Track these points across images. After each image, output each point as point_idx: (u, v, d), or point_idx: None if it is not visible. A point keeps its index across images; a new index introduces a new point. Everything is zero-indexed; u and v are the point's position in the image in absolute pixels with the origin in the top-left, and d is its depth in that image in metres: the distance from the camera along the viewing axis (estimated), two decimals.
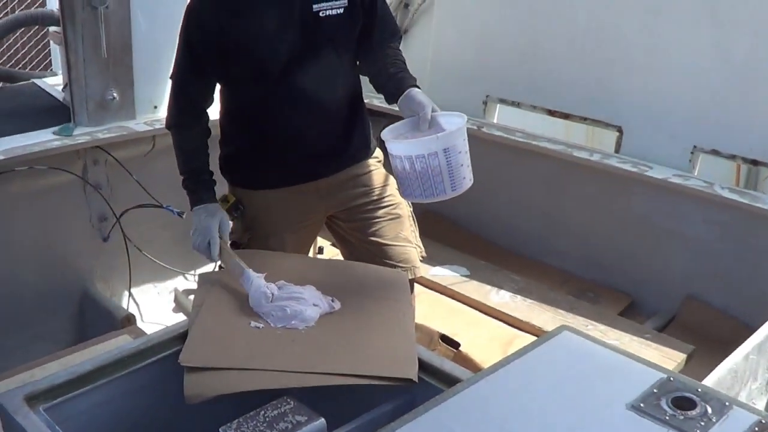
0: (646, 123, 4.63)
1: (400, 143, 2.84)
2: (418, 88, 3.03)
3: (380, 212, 3.40)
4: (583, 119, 4.92)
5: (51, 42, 5.91)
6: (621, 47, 4.68)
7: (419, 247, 3.53)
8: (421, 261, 3.54)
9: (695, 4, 4.36)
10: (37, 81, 5.73)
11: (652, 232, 4.67)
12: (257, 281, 2.78)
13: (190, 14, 3.18)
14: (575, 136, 5.11)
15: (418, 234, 3.56)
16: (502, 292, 4.64)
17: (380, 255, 3.34)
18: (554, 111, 5.03)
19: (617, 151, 4.75)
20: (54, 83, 5.58)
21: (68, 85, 4.68)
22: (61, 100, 5.15)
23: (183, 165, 3.32)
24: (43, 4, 7.92)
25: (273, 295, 2.72)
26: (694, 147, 4.44)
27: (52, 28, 5.71)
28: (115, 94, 4.61)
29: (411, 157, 2.78)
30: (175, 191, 4.81)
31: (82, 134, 4.49)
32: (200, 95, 3.30)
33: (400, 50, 3.29)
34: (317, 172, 3.34)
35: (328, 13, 3.10)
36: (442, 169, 2.76)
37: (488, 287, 4.70)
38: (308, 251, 3.64)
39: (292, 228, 3.42)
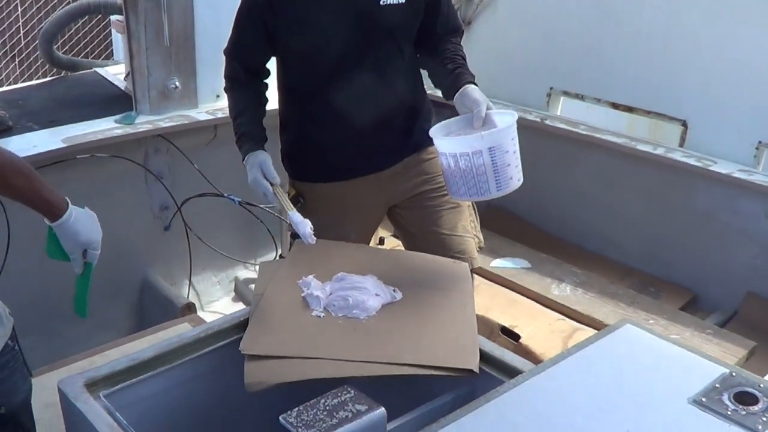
0: (711, 117, 4.58)
1: (445, 140, 2.83)
2: (475, 84, 3.00)
3: (439, 201, 3.37)
4: (647, 113, 4.88)
5: (113, 31, 5.94)
6: (686, 40, 4.62)
7: (478, 237, 3.51)
8: (479, 251, 3.51)
9: None
10: (99, 70, 5.77)
11: (714, 227, 4.61)
12: (298, 219, 2.88)
13: None
14: (638, 130, 5.06)
15: (478, 225, 3.54)
16: (563, 285, 4.62)
17: (438, 245, 3.32)
18: (618, 104, 4.98)
19: (681, 145, 4.70)
20: (116, 72, 5.62)
21: (130, 74, 4.71)
22: (123, 88, 5.18)
23: (233, 122, 3.34)
24: None
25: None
26: (759, 142, 4.39)
27: (114, 17, 5.75)
28: (177, 83, 4.63)
29: (456, 154, 2.76)
30: (236, 180, 4.83)
31: (144, 123, 4.53)
32: (253, 56, 3.30)
33: (460, 45, 3.26)
34: (377, 165, 3.33)
35: (390, 2, 3.05)
36: (486, 168, 2.74)
37: (549, 280, 4.68)
38: (369, 242, 3.61)
39: (352, 220, 3.41)
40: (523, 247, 4.92)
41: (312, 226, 2.87)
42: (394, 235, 4.67)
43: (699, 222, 4.68)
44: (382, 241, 4.96)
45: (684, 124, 4.68)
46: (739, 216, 4.49)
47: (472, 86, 2.97)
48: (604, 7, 4.95)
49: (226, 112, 4.60)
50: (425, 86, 3.41)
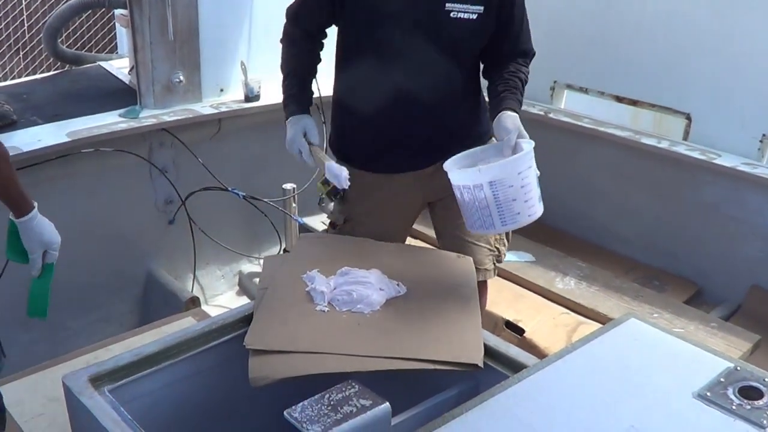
0: (715, 110, 4.58)
1: (452, 171, 2.79)
2: (515, 111, 2.96)
3: None
4: (652, 106, 4.88)
5: (117, 25, 5.93)
6: (690, 33, 4.62)
7: (498, 250, 3.49)
8: (497, 264, 3.52)
9: None
10: (103, 64, 5.77)
11: (719, 220, 4.61)
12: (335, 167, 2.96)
13: None
14: (642, 124, 5.06)
15: (506, 238, 3.54)
16: (567, 278, 4.62)
17: (456, 248, 3.33)
18: (622, 97, 4.98)
19: (685, 138, 4.70)
20: (120, 66, 5.63)
21: (134, 68, 4.71)
22: (127, 82, 5.19)
23: (282, 80, 3.33)
24: None
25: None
26: (764, 135, 4.39)
27: (118, 11, 5.74)
28: (181, 77, 4.64)
29: (460, 186, 2.74)
30: (240, 174, 4.87)
31: (148, 117, 4.53)
32: (314, 22, 3.29)
33: (524, 67, 3.21)
34: (415, 164, 3.33)
35: (460, 15, 3.02)
36: (488, 202, 2.68)
37: (553, 273, 4.68)
38: (404, 238, 3.62)
39: (388, 211, 3.42)
40: (527, 240, 4.91)
41: (348, 174, 2.95)
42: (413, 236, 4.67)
43: (703, 215, 4.68)
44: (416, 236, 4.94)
45: (688, 117, 4.68)
46: (744, 209, 4.48)
47: (508, 113, 2.93)
48: (608, 0, 4.94)
49: (231, 106, 4.65)
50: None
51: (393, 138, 3.28)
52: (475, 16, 3.03)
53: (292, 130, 3.20)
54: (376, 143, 3.33)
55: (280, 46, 3.35)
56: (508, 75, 3.11)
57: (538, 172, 2.77)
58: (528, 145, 2.77)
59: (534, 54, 3.31)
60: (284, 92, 3.30)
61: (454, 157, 2.88)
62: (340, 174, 2.95)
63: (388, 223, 3.41)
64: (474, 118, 3.34)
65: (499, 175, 2.65)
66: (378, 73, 3.17)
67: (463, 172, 2.74)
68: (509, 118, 2.89)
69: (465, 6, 3.01)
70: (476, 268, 3.28)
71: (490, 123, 3.04)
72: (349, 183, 2.96)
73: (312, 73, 3.36)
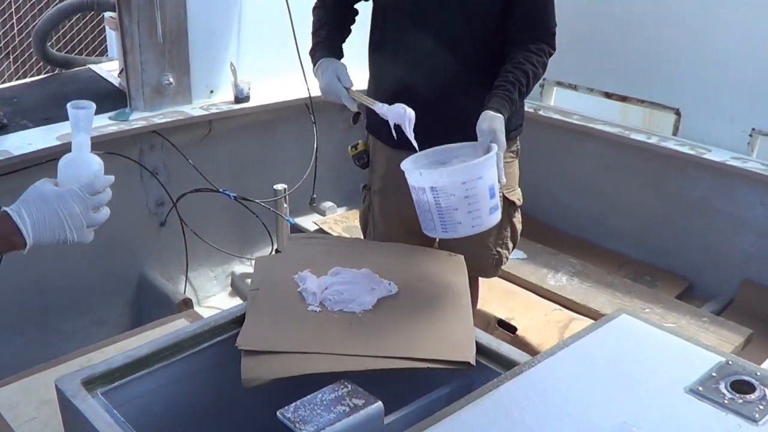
0: (704, 105, 4.60)
1: (403, 164, 2.79)
2: (498, 111, 2.88)
3: None
4: (641, 102, 4.90)
5: (106, 27, 5.94)
6: (678, 29, 4.64)
7: (500, 253, 3.51)
8: (498, 266, 3.56)
9: None
10: (93, 66, 5.76)
11: (709, 215, 4.63)
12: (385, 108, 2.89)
13: None
14: (632, 120, 5.07)
15: (510, 241, 3.56)
16: (559, 275, 4.64)
17: (455, 249, 3.36)
18: (611, 94, 5.00)
19: (675, 133, 4.72)
20: (110, 69, 5.62)
21: (124, 71, 4.71)
22: (117, 85, 5.18)
23: (312, 37, 3.30)
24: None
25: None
26: (753, 129, 4.41)
27: (107, 14, 5.74)
28: (171, 79, 4.64)
29: (410, 184, 2.74)
30: (230, 175, 4.87)
31: (139, 119, 4.53)
32: None
33: (537, 56, 3.09)
34: (428, 146, 3.31)
35: None
36: (430, 206, 2.68)
37: (545, 270, 4.70)
38: (416, 220, 3.57)
39: (399, 191, 3.37)
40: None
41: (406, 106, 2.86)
42: None
43: (694, 210, 4.69)
44: None
45: (677, 112, 4.71)
46: (734, 204, 4.50)
47: (490, 113, 2.87)
48: None
49: (221, 108, 4.66)
50: None
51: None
52: None
53: (325, 76, 3.12)
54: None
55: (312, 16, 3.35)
56: (512, 67, 3.03)
57: (504, 180, 2.75)
58: (492, 152, 2.73)
59: (554, 34, 3.20)
60: (313, 41, 3.26)
61: (426, 150, 2.86)
62: (399, 110, 2.87)
63: (401, 201, 3.37)
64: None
65: (440, 182, 2.62)
66: (389, 57, 3.24)
67: (408, 172, 2.74)
68: (488, 119, 2.84)
69: None
70: (473, 266, 3.30)
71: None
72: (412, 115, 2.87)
73: (343, 29, 3.32)
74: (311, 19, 3.34)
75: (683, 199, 4.73)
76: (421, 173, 2.66)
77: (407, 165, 2.78)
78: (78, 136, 2.13)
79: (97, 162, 2.16)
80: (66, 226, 2.03)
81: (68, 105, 2.11)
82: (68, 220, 2.03)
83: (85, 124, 2.13)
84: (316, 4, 3.35)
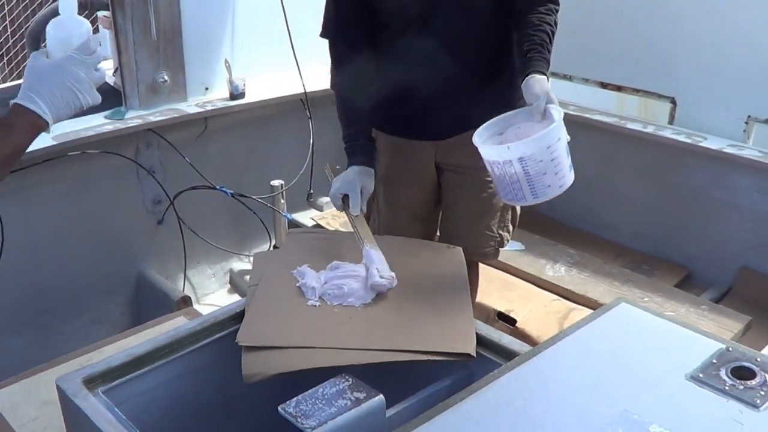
0: (699, 94, 4.60)
1: (480, 145, 2.74)
2: (542, 73, 2.84)
3: (479, 182, 3.36)
4: (636, 91, 4.90)
5: (100, 26, 5.92)
6: (672, 17, 4.64)
7: (500, 236, 3.52)
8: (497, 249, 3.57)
9: None
10: None
11: (707, 203, 4.63)
12: (376, 257, 2.79)
13: None
14: (628, 109, 5.07)
15: (510, 224, 3.58)
16: (558, 265, 4.64)
17: (459, 230, 3.40)
18: (607, 83, 5.00)
19: (671, 122, 4.73)
20: (104, 68, 5.61)
21: (119, 69, 4.70)
22: (112, 84, 5.18)
23: (342, 129, 3.28)
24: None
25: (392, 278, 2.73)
26: (749, 117, 4.41)
27: (100, 13, 5.73)
28: (166, 77, 4.63)
29: (489, 161, 2.73)
30: (227, 172, 4.87)
31: (134, 117, 4.53)
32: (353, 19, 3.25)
33: (549, 15, 3.04)
34: (434, 134, 3.35)
35: None
36: (519, 177, 2.65)
37: (543, 261, 4.70)
38: (421, 206, 3.57)
39: (406, 180, 3.47)
40: (516, 229, 4.90)
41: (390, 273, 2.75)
42: None
43: (691, 199, 4.70)
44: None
45: (673, 101, 4.71)
46: (731, 191, 4.50)
47: (536, 77, 2.82)
48: None
49: (216, 105, 4.65)
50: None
51: (410, 102, 3.27)
52: None
53: (351, 176, 3.12)
54: (395, 106, 3.32)
55: (333, 91, 3.35)
56: (532, 31, 2.96)
57: (569, 138, 2.75)
58: (557, 114, 2.70)
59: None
60: (346, 141, 3.24)
61: (483, 126, 2.81)
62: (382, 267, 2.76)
63: (406, 191, 3.48)
64: (494, 92, 3.23)
65: (528, 152, 2.61)
66: (392, 48, 3.22)
67: (492, 148, 2.70)
68: (537, 83, 2.80)
69: None
70: (475, 249, 3.31)
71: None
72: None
73: (371, 117, 3.28)
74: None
75: (680, 188, 4.73)
76: (509, 147, 2.63)
77: (485, 145, 2.75)
78: None
79: (85, 23, 2.19)
80: (77, 93, 2.08)
81: None
82: (77, 87, 2.08)
83: None
84: (332, 81, 3.35)
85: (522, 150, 2.61)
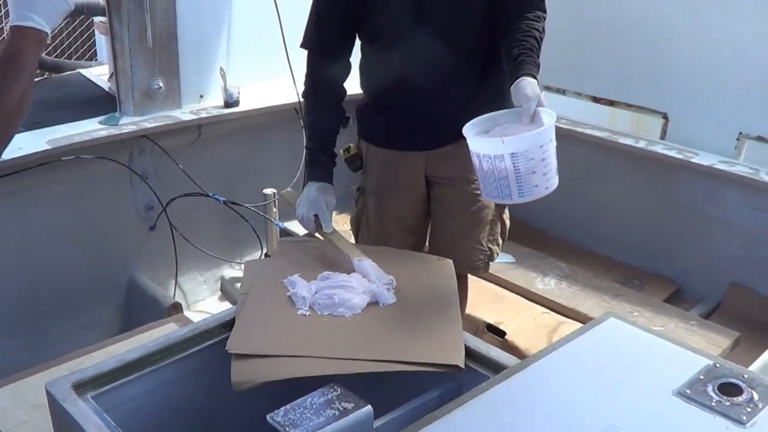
0: (691, 109, 4.63)
1: (472, 138, 2.77)
2: (533, 77, 2.86)
3: (468, 194, 3.38)
4: (628, 106, 4.91)
5: (96, 32, 5.94)
6: (665, 33, 4.66)
7: (490, 249, 3.52)
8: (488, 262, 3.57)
9: None
10: (82, 71, 5.78)
11: (697, 218, 4.64)
12: (369, 268, 2.83)
13: None
14: (621, 124, 5.09)
15: (500, 237, 3.58)
16: (548, 278, 4.65)
17: (448, 243, 3.41)
18: (599, 98, 5.01)
19: (663, 137, 4.74)
20: (99, 73, 5.64)
21: (114, 75, 4.72)
22: (107, 89, 5.20)
23: (307, 140, 3.34)
24: None
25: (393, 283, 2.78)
26: (740, 133, 4.43)
27: (97, 19, 5.75)
28: (160, 84, 4.64)
29: (479, 154, 2.72)
30: (220, 180, 4.88)
31: (128, 123, 4.54)
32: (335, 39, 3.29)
33: (537, 21, 3.06)
34: (422, 144, 3.36)
35: None
36: (508, 173, 2.64)
37: (534, 274, 4.71)
38: (411, 219, 3.58)
39: (396, 192, 3.48)
40: (507, 241, 4.90)
41: (389, 278, 2.83)
42: None
43: (682, 214, 4.71)
44: None
45: (665, 116, 4.72)
46: (722, 207, 4.52)
47: (527, 79, 2.84)
48: (585, 1, 4.99)
49: (210, 112, 4.66)
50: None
51: (399, 113, 3.31)
52: None
53: (315, 195, 3.18)
54: (384, 118, 3.38)
55: (302, 101, 3.39)
56: (521, 36, 2.99)
57: (555, 143, 2.77)
58: (549, 117, 2.71)
59: (544, 3, 3.17)
60: (308, 150, 3.31)
61: (472, 121, 2.82)
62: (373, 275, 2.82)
63: (395, 203, 3.48)
64: (482, 101, 3.14)
65: (521, 148, 2.61)
66: (381, 59, 3.24)
67: (484, 141, 2.72)
68: (529, 85, 2.81)
69: None
70: (465, 263, 3.32)
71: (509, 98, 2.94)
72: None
73: (336, 127, 3.33)
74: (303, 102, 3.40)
75: (671, 203, 4.74)
76: (503, 141, 2.63)
77: (475, 138, 2.76)
78: None
79: None
80: None
81: None
82: None
83: None
84: (304, 90, 3.37)
85: (516, 145, 2.61)
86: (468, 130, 2.76)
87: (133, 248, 4.86)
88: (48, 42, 2.12)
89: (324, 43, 3.28)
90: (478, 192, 3.08)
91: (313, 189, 3.18)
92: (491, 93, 3.21)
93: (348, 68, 3.33)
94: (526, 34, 2.99)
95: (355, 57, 3.34)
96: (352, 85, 3.37)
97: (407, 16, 3.12)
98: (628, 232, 5.00)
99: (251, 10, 4.92)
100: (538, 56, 2.98)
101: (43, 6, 2.05)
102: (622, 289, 4.59)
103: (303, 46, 3.33)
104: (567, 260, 4.90)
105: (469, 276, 3.71)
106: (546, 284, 4.59)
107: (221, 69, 4.83)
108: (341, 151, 3.43)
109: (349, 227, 3.73)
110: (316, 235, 3.21)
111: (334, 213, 3.21)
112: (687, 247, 4.74)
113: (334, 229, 3.12)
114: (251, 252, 5.28)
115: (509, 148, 2.62)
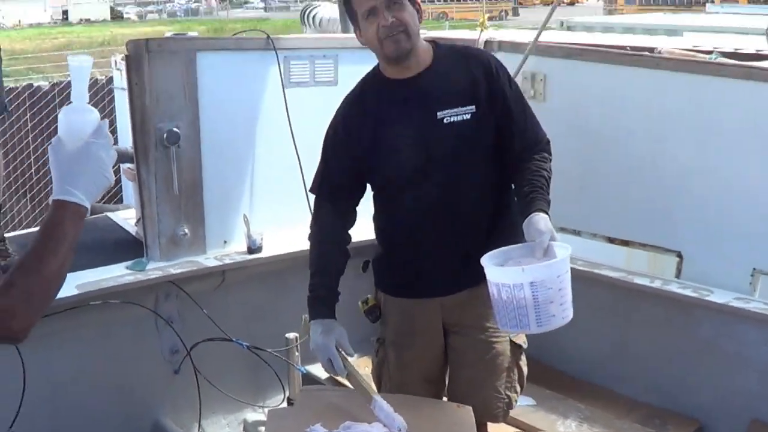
0: (705, 247, 4.68)
1: (490, 267, 2.84)
2: (545, 212, 2.99)
3: (482, 345, 3.43)
4: (643, 245, 4.97)
5: (122, 177, 6.06)
6: (678, 174, 4.74)
7: (508, 397, 3.54)
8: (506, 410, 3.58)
9: (746, 127, 4.46)
10: (110, 214, 5.89)
11: (716, 355, 4.64)
12: (386, 407, 2.87)
13: (333, 119, 3.36)
14: (637, 263, 5.13)
15: (519, 385, 3.61)
16: (569, 421, 4.64)
17: (467, 391, 3.43)
18: (614, 238, 5.09)
19: (678, 275, 4.78)
20: (126, 216, 5.75)
21: (141, 221, 4.83)
22: (134, 234, 5.30)
23: (310, 278, 3.36)
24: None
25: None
26: (754, 269, 4.47)
27: (124, 165, 5.88)
28: (186, 230, 4.76)
29: (498, 284, 2.78)
30: (244, 324, 4.93)
31: (155, 269, 4.64)
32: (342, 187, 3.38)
33: (544, 162, 3.23)
34: (437, 290, 3.41)
35: (453, 119, 3.12)
36: (527, 302, 2.72)
37: (554, 417, 4.70)
38: (431, 368, 3.60)
39: (415, 343, 3.51)
40: (527, 384, 4.93)
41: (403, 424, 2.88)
42: None
43: (701, 351, 4.71)
44: None
45: (679, 255, 4.77)
46: (739, 343, 4.52)
47: (540, 215, 2.96)
48: (591, 142, 5.09)
49: (234, 258, 4.74)
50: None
51: (413, 261, 3.38)
52: (468, 116, 3.13)
53: (322, 339, 3.20)
54: (400, 268, 3.45)
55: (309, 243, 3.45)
56: (531, 176, 3.13)
57: (570, 275, 2.83)
58: (564, 250, 2.83)
59: (549, 142, 3.32)
60: (311, 290, 3.34)
61: (488, 254, 2.91)
62: (392, 423, 2.88)
63: (411, 354, 3.50)
64: (500, 235, 3.26)
65: (540, 277, 2.71)
66: (391, 207, 3.35)
67: (503, 270, 2.80)
68: (542, 220, 2.93)
69: (455, 110, 3.11)
70: (483, 412, 3.35)
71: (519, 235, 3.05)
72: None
73: (339, 269, 3.38)
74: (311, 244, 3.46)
75: (690, 341, 4.74)
76: (523, 269, 2.73)
77: (494, 268, 2.85)
78: (79, 86, 2.28)
79: (94, 110, 2.29)
80: (105, 174, 2.20)
81: (68, 58, 2.33)
82: (104, 169, 2.19)
83: (84, 75, 2.29)
84: (315, 237, 3.45)
85: (535, 274, 2.70)
86: (486, 260, 2.84)
87: (158, 391, 4.90)
88: None
89: (329, 190, 3.39)
90: (493, 339, 3.16)
91: (318, 333, 3.23)
92: (504, 235, 3.25)
93: (353, 216, 3.43)
94: (536, 174, 3.13)
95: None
96: (369, 231, 3.48)
97: (414, 166, 3.21)
98: (649, 371, 4.99)
99: (274, 160, 5.05)
100: (548, 194, 3.11)
101: (84, 183, 2.15)
102: (644, 430, 4.57)
103: (311, 190, 3.47)
104: (587, 402, 4.88)
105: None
106: (567, 427, 4.58)
107: (244, 216, 4.93)
108: (360, 304, 3.49)
109: (370, 374, 3.75)
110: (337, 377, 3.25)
111: (355, 357, 3.24)
112: (707, 384, 4.72)
113: (348, 371, 3.15)
114: (274, 395, 5.29)
115: (529, 276, 2.69)
